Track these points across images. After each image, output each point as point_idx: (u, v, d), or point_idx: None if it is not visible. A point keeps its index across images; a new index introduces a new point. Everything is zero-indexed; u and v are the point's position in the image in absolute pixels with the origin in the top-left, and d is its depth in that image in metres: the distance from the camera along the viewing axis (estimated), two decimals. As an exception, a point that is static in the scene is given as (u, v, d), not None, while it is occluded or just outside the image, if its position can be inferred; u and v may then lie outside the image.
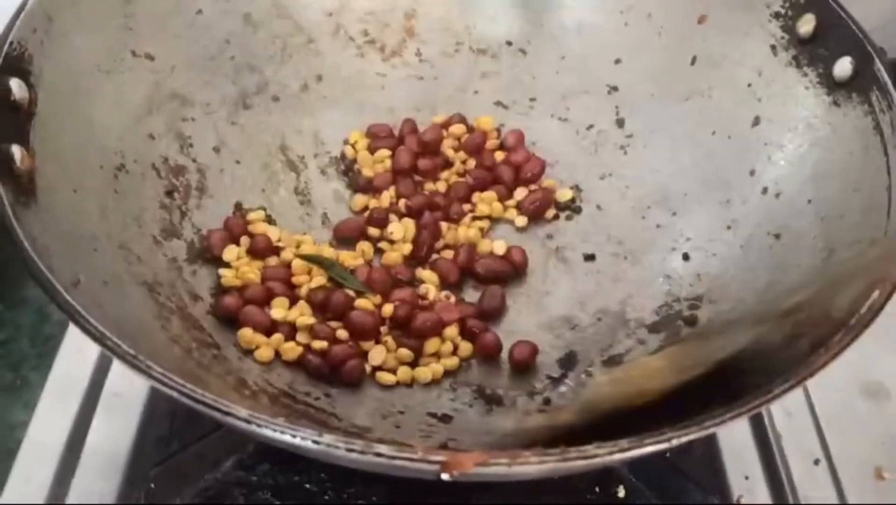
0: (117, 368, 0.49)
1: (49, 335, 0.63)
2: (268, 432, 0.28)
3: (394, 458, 0.27)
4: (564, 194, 0.52)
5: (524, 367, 0.44)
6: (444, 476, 0.28)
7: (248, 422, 0.28)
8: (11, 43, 0.38)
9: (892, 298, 0.33)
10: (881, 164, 0.39)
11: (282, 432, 0.27)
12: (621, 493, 0.44)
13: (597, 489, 0.43)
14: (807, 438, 0.49)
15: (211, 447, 0.43)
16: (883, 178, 0.39)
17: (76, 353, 0.50)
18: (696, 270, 0.46)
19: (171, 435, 0.45)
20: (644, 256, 0.48)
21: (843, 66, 0.42)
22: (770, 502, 0.46)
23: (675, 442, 0.29)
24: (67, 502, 0.44)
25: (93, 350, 0.50)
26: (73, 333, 0.52)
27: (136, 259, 0.41)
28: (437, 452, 0.27)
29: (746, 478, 0.47)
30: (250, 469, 0.43)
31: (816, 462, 0.48)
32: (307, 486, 0.42)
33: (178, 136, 0.47)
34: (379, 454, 0.27)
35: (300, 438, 0.27)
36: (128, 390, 0.48)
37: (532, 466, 0.28)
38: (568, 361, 0.44)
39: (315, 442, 0.27)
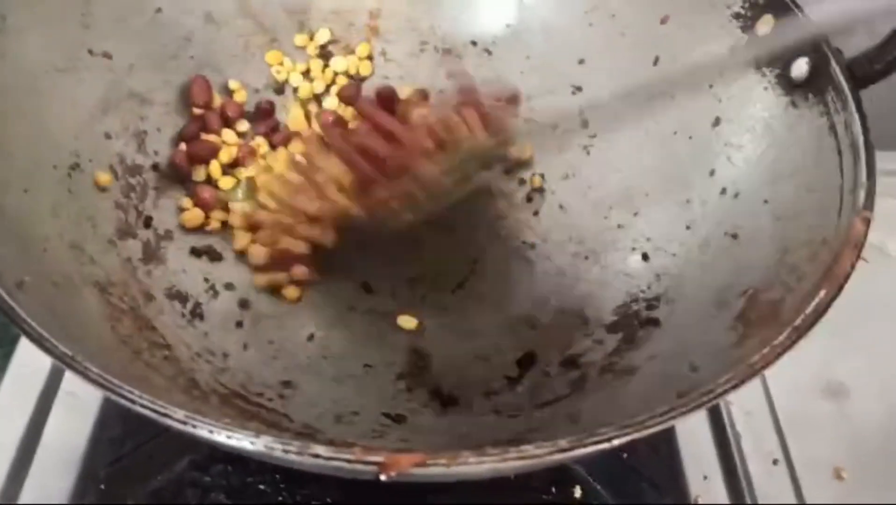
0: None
1: (15, 336, 0.62)
2: (203, 433, 0.27)
3: (330, 458, 0.27)
4: (535, 181, 0.52)
5: None
6: (382, 477, 0.28)
7: (184, 423, 0.27)
8: (-39, 41, 0.37)
9: (838, 297, 0.33)
10: (834, 165, 0.39)
11: (217, 433, 0.27)
12: (578, 493, 0.43)
13: (553, 490, 0.43)
14: (766, 438, 0.49)
15: (164, 448, 0.43)
16: (836, 178, 0.39)
17: (33, 353, 0.50)
18: (655, 269, 0.46)
19: (124, 435, 0.45)
20: (604, 256, 0.48)
21: (800, 67, 0.42)
22: (728, 503, 0.46)
23: (616, 442, 0.29)
24: (21, 500, 0.44)
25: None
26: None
27: (89, 259, 0.40)
28: (374, 452, 0.27)
29: (705, 478, 0.47)
30: (204, 469, 0.43)
31: (775, 462, 0.48)
32: (261, 486, 0.42)
33: (135, 136, 0.47)
34: (316, 455, 0.27)
35: (236, 440, 0.27)
36: (84, 390, 0.47)
37: (471, 466, 0.28)
38: (526, 362, 0.44)
39: (251, 443, 0.27)
